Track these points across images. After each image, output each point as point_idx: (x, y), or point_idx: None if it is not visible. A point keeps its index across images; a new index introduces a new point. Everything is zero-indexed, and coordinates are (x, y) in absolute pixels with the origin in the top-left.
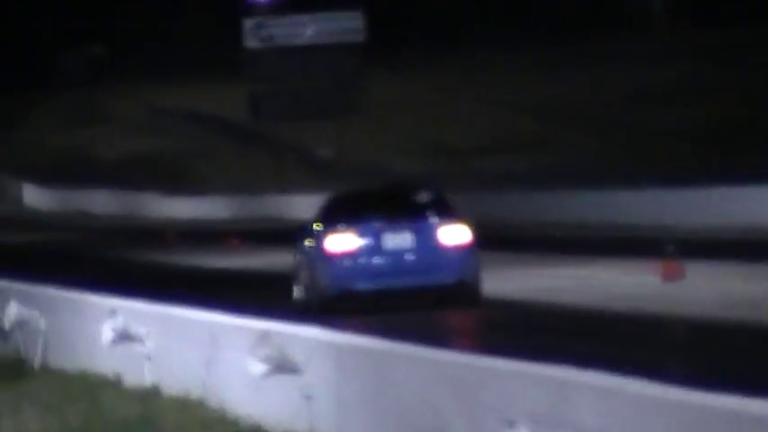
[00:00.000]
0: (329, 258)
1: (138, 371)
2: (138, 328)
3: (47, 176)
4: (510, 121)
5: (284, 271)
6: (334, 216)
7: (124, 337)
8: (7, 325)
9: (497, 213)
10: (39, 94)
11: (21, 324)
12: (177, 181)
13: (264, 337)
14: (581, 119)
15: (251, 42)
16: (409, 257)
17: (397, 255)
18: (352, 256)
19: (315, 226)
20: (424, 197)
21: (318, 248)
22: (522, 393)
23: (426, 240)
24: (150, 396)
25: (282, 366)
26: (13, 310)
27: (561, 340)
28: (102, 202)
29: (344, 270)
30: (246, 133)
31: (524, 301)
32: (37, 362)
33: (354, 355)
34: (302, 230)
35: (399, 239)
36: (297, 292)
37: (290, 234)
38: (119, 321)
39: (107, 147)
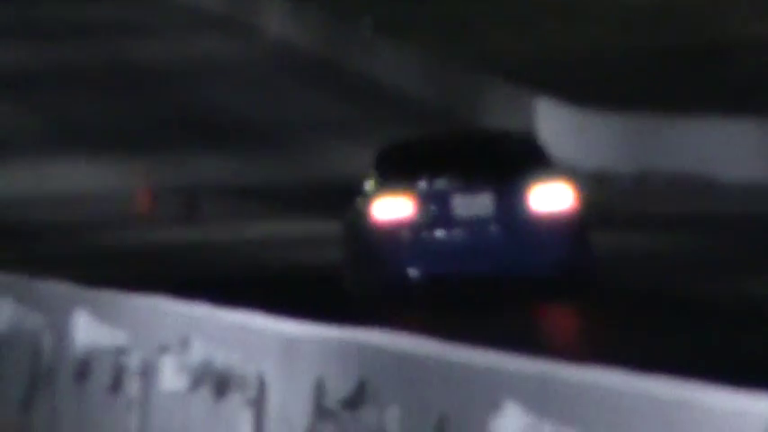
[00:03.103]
0: (378, 232)
1: None
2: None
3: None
4: None
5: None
6: (389, 173)
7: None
8: None
9: None
10: None
11: None
12: None
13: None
14: None
15: None
16: (490, 230)
17: (472, 226)
18: (408, 228)
19: (366, 186)
20: (509, 144)
21: (365, 217)
22: None
23: (514, 207)
24: None
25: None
26: None
27: None
28: None
29: (398, 248)
30: None
31: None
32: None
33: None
34: (352, 191)
35: (476, 205)
36: (347, 278)
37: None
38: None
39: None
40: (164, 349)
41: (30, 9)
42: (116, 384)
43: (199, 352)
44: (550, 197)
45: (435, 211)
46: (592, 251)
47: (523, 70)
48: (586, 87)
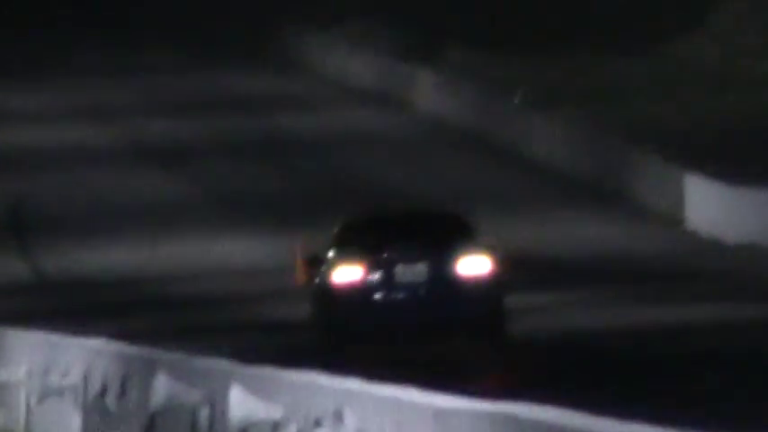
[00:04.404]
0: (336, 292)
1: None
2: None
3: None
4: None
5: None
6: (344, 244)
7: None
8: None
9: None
10: None
11: None
12: None
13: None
14: None
15: None
16: (423, 292)
17: (409, 289)
18: (359, 289)
19: (328, 254)
20: (443, 223)
21: (327, 281)
22: None
23: (443, 272)
24: None
25: None
26: None
27: None
28: None
29: (350, 306)
30: None
31: None
32: None
33: None
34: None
35: (414, 272)
36: (316, 331)
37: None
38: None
39: None
40: (318, 423)
41: (188, 83)
42: None
43: (352, 425)
44: (472, 265)
45: (381, 276)
46: (502, 304)
47: (673, 141)
48: (737, 159)
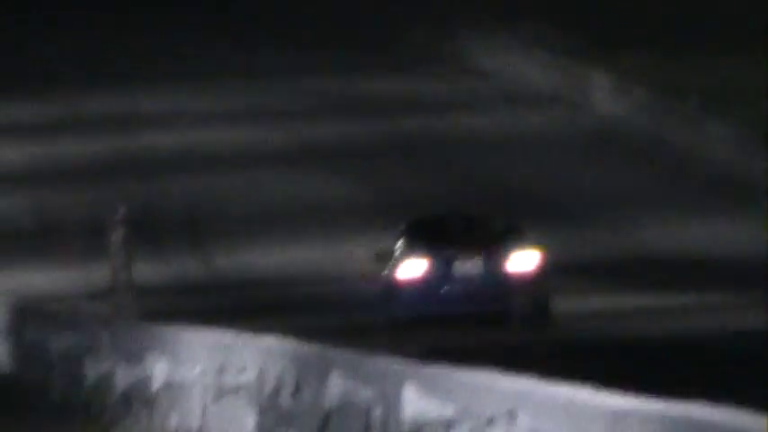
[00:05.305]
0: (401, 283)
1: None
2: None
3: None
4: None
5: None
6: (410, 241)
7: None
8: None
9: None
10: None
11: None
12: None
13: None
14: None
15: None
16: (477, 284)
17: (466, 282)
18: (422, 282)
19: (396, 248)
20: (497, 224)
21: (392, 273)
22: None
23: (495, 268)
24: None
25: None
26: None
27: None
28: None
29: (414, 296)
30: None
31: None
32: None
33: None
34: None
35: (470, 267)
36: (377, 316)
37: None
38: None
39: None
40: (491, 422)
41: (358, 84)
42: None
43: (525, 425)
44: (522, 262)
45: (441, 270)
46: (549, 298)
47: None
48: None
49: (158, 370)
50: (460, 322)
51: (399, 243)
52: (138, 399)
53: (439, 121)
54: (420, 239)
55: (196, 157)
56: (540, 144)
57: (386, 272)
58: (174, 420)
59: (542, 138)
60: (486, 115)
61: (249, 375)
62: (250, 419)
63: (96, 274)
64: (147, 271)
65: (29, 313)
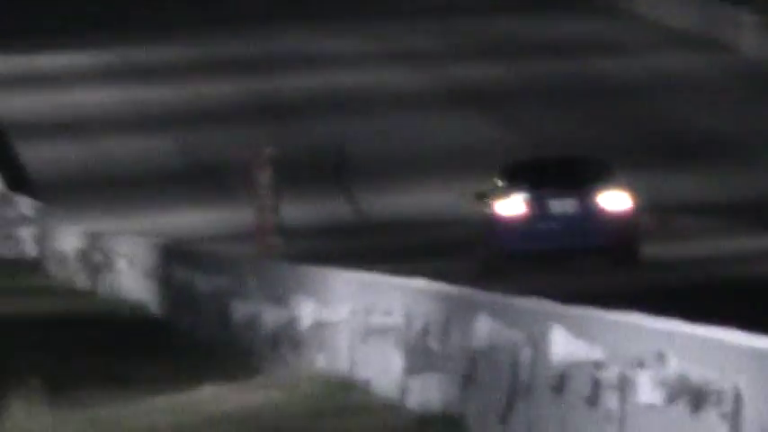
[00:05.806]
0: (500, 221)
1: None
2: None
3: None
4: None
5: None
6: (509, 181)
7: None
8: None
9: None
10: None
11: None
12: None
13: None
14: None
15: None
16: (573, 221)
17: (562, 219)
18: (520, 220)
19: (491, 190)
20: (592, 166)
21: (492, 211)
22: None
23: (588, 206)
24: None
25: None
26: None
27: None
28: None
29: (513, 233)
30: None
31: None
32: None
33: None
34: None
35: (565, 205)
36: (479, 254)
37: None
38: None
39: None
40: (640, 364)
41: (505, 26)
42: (593, 397)
43: (674, 367)
44: (613, 200)
45: (537, 209)
46: (638, 236)
47: None
48: None
49: (305, 311)
50: (555, 258)
51: (499, 184)
52: (286, 340)
53: (584, 64)
54: (518, 180)
55: (342, 100)
56: (686, 85)
57: (486, 211)
58: (321, 361)
59: (687, 79)
60: (633, 57)
61: (396, 317)
62: (397, 360)
63: (243, 215)
64: (294, 212)
65: (177, 255)
